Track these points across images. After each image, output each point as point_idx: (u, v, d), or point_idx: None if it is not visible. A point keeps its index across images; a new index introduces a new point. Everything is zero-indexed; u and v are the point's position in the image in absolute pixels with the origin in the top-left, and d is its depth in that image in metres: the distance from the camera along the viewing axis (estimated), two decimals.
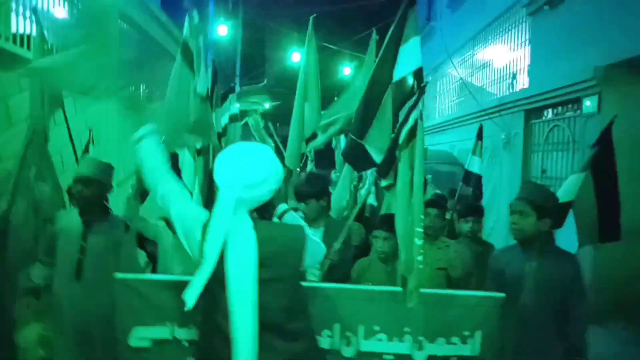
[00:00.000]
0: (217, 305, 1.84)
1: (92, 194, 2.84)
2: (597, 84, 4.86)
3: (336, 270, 3.04)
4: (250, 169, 1.85)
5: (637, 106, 4.70)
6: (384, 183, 2.83)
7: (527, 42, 6.82)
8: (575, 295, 2.58)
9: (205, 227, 1.85)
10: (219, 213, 1.82)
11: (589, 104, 5.08)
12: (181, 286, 2.14)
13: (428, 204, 3.26)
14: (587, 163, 3.20)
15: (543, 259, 2.63)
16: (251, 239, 1.83)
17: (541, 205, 2.62)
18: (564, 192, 3.18)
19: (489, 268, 2.89)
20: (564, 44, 5.70)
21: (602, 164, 3.18)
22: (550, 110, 6.27)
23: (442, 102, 10.80)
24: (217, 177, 1.87)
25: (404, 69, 2.51)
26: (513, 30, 7.35)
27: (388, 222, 2.92)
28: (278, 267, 1.90)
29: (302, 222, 2.12)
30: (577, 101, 5.37)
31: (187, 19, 3.43)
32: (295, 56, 14.21)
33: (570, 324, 2.58)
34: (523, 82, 7.02)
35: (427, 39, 12.47)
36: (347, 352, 2.58)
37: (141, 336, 2.60)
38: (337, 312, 2.53)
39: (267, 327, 1.86)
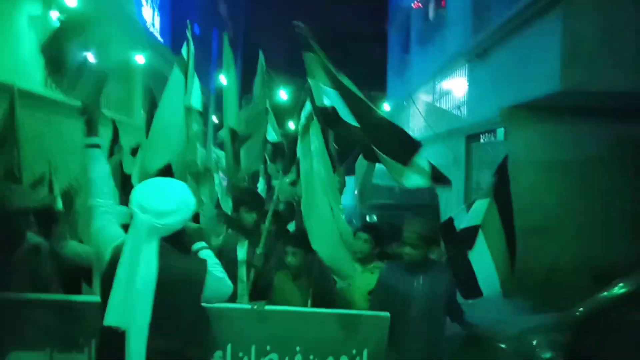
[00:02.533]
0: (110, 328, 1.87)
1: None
2: (502, 120, 6.50)
3: (262, 279, 3.11)
4: (163, 198, 1.98)
5: (535, 136, 6.31)
6: (287, 179, 3.15)
7: (466, 81, 8.49)
8: (453, 294, 3.03)
9: (115, 248, 1.96)
10: (131, 237, 1.91)
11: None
12: (63, 307, 2.35)
13: (358, 229, 3.53)
14: (489, 190, 3.56)
15: (425, 273, 2.93)
16: (153, 264, 1.90)
17: (429, 237, 2.97)
18: (472, 216, 3.51)
19: (379, 284, 3.08)
20: (488, 86, 7.36)
21: (501, 192, 3.51)
22: (483, 135, 7.90)
23: (414, 125, 12.44)
24: (134, 204, 1.96)
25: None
26: (461, 69, 9.02)
27: (297, 238, 3.11)
28: (175, 295, 1.96)
29: (217, 262, 2.15)
30: (494, 131, 7.00)
31: (188, 32, 3.68)
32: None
33: (454, 314, 3.06)
34: (464, 112, 8.67)
35: (404, 68, 14.19)
36: None
37: None
38: (230, 332, 2.61)
39: (160, 352, 1.90)
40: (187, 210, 2.04)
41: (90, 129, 2.28)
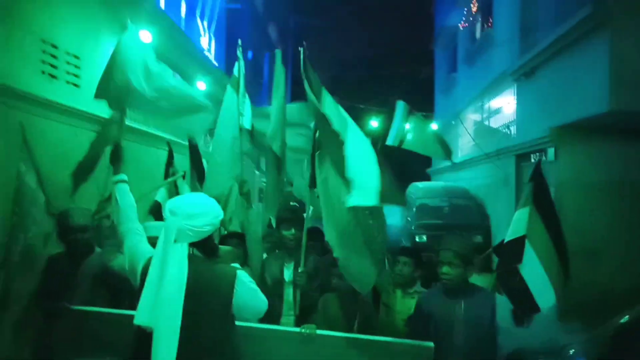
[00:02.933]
0: (140, 329, 1.94)
1: (86, 238, 3.17)
2: (551, 140, 6.49)
3: (305, 299, 3.10)
4: (192, 202, 2.11)
5: (584, 156, 6.27)
6: (316, 194, 3.05)
7: (515, 100, 8.48)
8: (493, 322, 2.79)
9: (146, 261, 2.06)
10: (162, 241, 2.00)
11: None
12: (123, 320, 2.40)
13: (399, 252, 3.44)
14: (527, 198, 3.36)
15: (467, 298, 2.79)
16: (183, 267, 1.97)
17: (466, 255, 2.83)
18: (515, 228, 3.33)
19: (415, 313, 3.00)
20: (536, 106, 7.35)
21: (541, 198, 3.34)
22: (533, 155, 7.85)
23: (463, 144, 12.41)
24: (165, 211, 2.08)
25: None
26: (509, 89, 9.02)
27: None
28: (204, 301, 2.01)
29: (250, 278, 2.19)
30: (544, 150, 6.98)
31: (238, 51, 3.74)
32: None
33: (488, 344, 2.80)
34: (513, 131, 8.64)
35: (451, 86, 14.23)
36: None
37: None
38: (275, 354, 2.61)
39: (187, 359, 1.93)
40: (215, 216, 2.12)
41: (117, 168, 2.62)
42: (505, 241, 3.35)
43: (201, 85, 7.04)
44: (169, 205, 2.09)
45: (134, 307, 1.99)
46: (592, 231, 5.92)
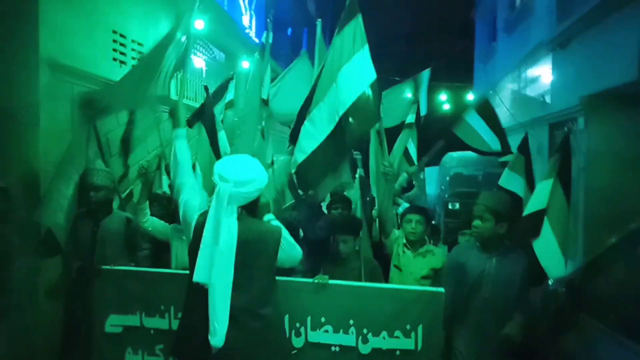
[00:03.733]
0: (196, 285, 2.09)
1: (102, 198, 3.32)
2: (582, 109, 6.65)
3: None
4: (241, 169, 2.22)
5: (613, 125, 6.42)
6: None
7: (550, 70, 8.56)
8: (524, 284, 2.82)
9: (199, 217, 2.21)
10: (214, 205, 2.13)
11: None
12: (151, 278, 2.73)
13: (409, 210, 3.53)
14: (552, 169, 3.41)
15: (499, 256, 2.85)
16: (233, 227, 2.12)
17: (498, 211, 2.85)
18: (536, 200, 3.37)
19: (447, 263, 3.09)
20: (570, 75, 7.47)
21: (565, 171, 3.37)
22: (567, 124, 7.98)
23: (499, 113, 12.41)
24: (215, 176, 2.20)
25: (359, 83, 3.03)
26: (545, 58, 9.07)
27: (348, 225, 3.31)
28: (253, 255, 2.17)
29: (284, 229, 2.37)
30: (576, 120, 7.13)
31: (269, 20, 4.11)
32: None
33: (520, 306, 2.78)
34: (548, 100, 8.75)
35: (490, 56, 14.16)
36: (297, 342, 2.74)
37: (115, 323, 2.92)
38: (286, 303, 2.63)
39: (239, 308, 2.10)
40: (262, 181, 2.26)
41: (176, 122, 2.75)
42: (525, 214, 3.36)
43: (245, 64, 7.56)
44: (219, 170, 2.21)
45: (158, 265, 2.46)
46: (620, 200, 6.11)
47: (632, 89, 5.75)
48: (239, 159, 2.31)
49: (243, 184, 2.18)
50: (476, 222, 2.88)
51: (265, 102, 4.07)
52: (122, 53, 4.71)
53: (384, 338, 2.67)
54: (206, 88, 4.37)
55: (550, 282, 3.20)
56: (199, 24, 5.00)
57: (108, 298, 2.92)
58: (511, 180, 4.37)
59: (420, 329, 2.64)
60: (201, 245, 2.11)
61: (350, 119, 3.10)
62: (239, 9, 11.69)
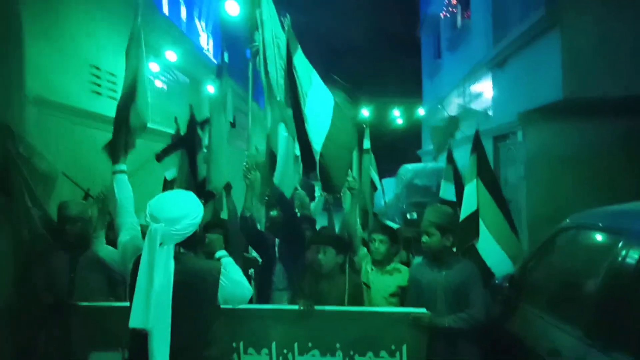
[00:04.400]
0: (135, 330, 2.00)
1: (78, 231, 3.21)
2: (519, 124, 7.43)
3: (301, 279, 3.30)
4: (172, 206, 2.14)
5: (548, 137, 7.21)
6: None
7: (491, 87, 9.40)
8: (475, 291, 2.89)
9: (137, 258, 2.12)
10: (147, 246, 2.06)
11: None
12: (126, 311, 2.26)
13: (374, 229, 3.58)
14: (472, 171, 3.58)
15: (448, 269, 2.96)
16: (170, 268, 2.05)
17: (442, 224, 2.98)
18: (467, 204, 3.53)
19: (410, 280, 3.20)
20: (508, 92, 8.29)
21: (484, 169, 3.53)
22: (508, 136, 8.80)
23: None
24: (147, 216, 2.12)
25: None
26: (486, 76, 9.92)
27: (327, 237, 3.40)
28: (191, 296, 2.10)
29: (235, 267, 2.32)
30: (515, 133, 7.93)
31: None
32: None
33: (473, 309, 2.83)
34: (491, 115, 9.58)
35: (436, 72, 15.10)
36: None
37: None
38: (274, 331, 2.74)
39: (180, 350, 2.04)
40: (196, 216, 2.19)
41: (116, 157, 2.66)
42: (461, 219, 3.49)
43: (210, 88, 7.88)
44: (150, 210, 2.14)
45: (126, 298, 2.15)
46: (558, 200, 6.86)
47: (560, 106, 6.55)
48: (170, 196, 2.26)
49: (175, 221, 2.11)
50: (424, 238, 3.00)
51: (231, 125, 4.31)
52: (97, 85, 4.97)
53: (369, 359, 2.75)
54: (191, 107, 4.42)
55: (496, 279, 3.52)
56: (170, 55, 5.35)
57: (88, 335, 2.85)
58: (447, 190, 4.65)
59: (404, 348, 2.73)
60: (136, 289, 2.05)
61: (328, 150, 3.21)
62: (196, 30, 12.00)
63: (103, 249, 3.10)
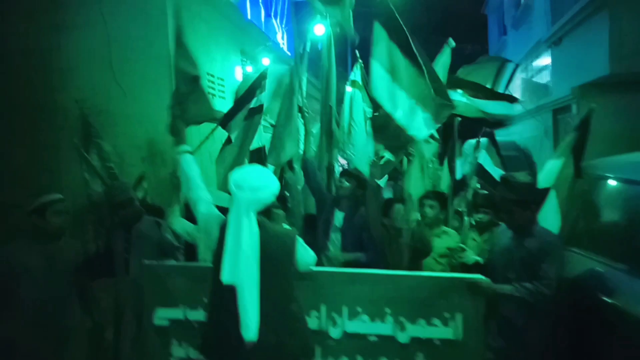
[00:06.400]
0: (223, 286, 2.18)
1: (131, 212, 3.36)
2: (573, 98, 8.05)
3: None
4: (256, 176, 2.37)
5: (600, 110, 7.76)
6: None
7: (550, 63, 9.93)
8: (549, 262, 2.67)
9: (222, 225, 2.32)
10: (234, 211, 2.27)
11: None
12: (193, 273, 2.79)
13: (424, 195, 3.73)
14: (566, 148, 3.45)
15: (526, 236, 2.79)
16: (254, 230, 2.25)
17: (525, 200, 2.81)
18: (544, 178, 3.43)
19: (491, 244, 3.23)
20: (564, 68, 8.85)
21: (579, 147, 3.41)
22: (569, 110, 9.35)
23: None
24: (231, 185, 2.32)
25: None
26: (546, 52, 10.41)
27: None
28: (275, 257, 2.31)
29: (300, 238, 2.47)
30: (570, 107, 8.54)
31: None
32: None
33: (542, 281, 2.63)
34: (550, 90, 10.11)
35: (502, 48, 15.45)
36: (334, 333, 2.70)
37: (162, 316, 2.93)
38: (322, 293, 2.69)
39: (268, 305, 2.22)
40: (276, 187, 2.40)
41: (180, 139, 2.96)
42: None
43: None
44: (235, 180, 2.35)
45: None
46: None
47: (608, 80, 7.14)
48: (252, 168, 2.49)
49: (258, 189, 2.33)
50: (505, 215, 2.94)
51: (299, 110, 4.24)
52: (212, 88, 6.40)
53: (421, 326, 2.63)
54: (262, 74, 4.62)
55: None
56: (264, 60, 6.69)
57: (154, 293, 2.99)
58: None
59: (460, 318, 2.58)
60: (225, 249, 2.23)
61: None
62: (273, 28, 13.39)
63: (178, 222, 3.25)
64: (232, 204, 2.31)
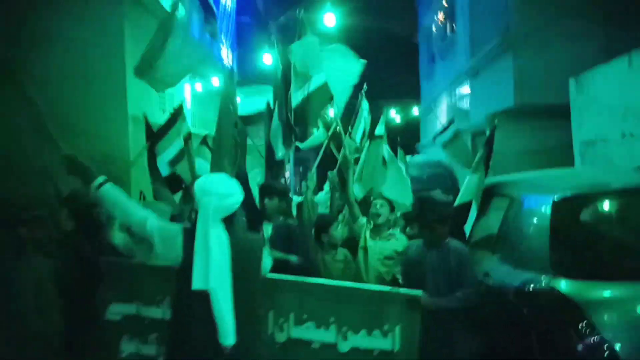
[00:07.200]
0: (189, 290, 2.21)
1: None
2: (488, 123, 9.22)
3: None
4: (223, 183, 2.42)
5: (508, 133, 8.95)
6: None
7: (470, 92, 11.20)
8: (468, 271, 2.97)
9: (186, 232, 2.34)
10: (201, 218, 2.30)
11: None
12: (146, 270, 2.86)
13: (375, 196, 3.93)
14: (479, 164, 3.81)
15: (441, 250, 3.03)
16: (223, 236, 2.30)
17: (442, 219, 3.10)
18: (464, 193, 3.77)
19: (405, 258, 3.32)
20: (480, 98, 10.08)
21: (486, 165, 3.81)
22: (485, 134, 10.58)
23: (439, 124, 15.13)
24: (198, 192, 2.36)
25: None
26: (466, 82, 11.68)
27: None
28: (245, 261, 2.37)
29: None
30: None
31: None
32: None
33: (467, 289, 2.91)
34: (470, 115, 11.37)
35: (431, 75, 16.87)
36: (280, 337, 2.80)
37: (115, 311, 3.00)
38: (273, 300, 2.77)
39: (241, 310, 2.27)
40: (240, 194, 2.45)
41: (88, 175, 2.58)
42: (456, 205, 3.78)
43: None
44: (201, 186, 2.38)
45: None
46: None
47: (515, 109, 8.33)
48: (218, 176, 2.52)
49: (225, 196, 2.37)
50: (424, 232, 3.21)
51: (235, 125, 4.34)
52: (163, 104, 6.89)
53: (363, 337, 2.71)
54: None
55: None
56: (214, 80, 7.22)
57: (108, 288, 3.06)
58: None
59: (397, 329, 2.67)
60: (195, 256, 2.25)
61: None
62: (218, 45, 13.86)
63: (118, 236, 3.40)
64: (199, 212, 2.34)
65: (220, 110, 4.16)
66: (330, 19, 4.96)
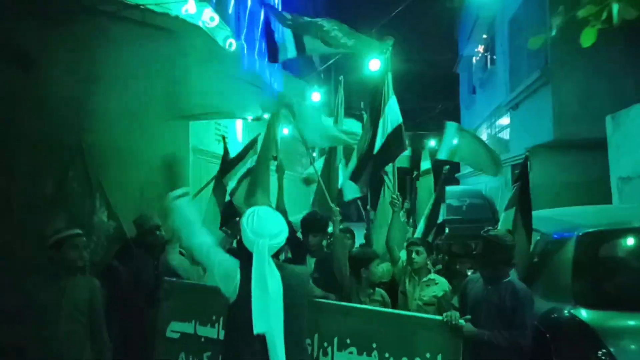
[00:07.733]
0: (247, 324, 2.26)
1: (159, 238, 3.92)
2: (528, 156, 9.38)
3: None
4: (273, 223, 2.45)
5: (548, 165, 9.10)
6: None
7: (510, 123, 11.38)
8: (520, 312, 2.85)
9: (242, 269, 2.37)
10: (257, 259, 2.34)
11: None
12: (206, 291, 2.89)
13: (411, 243, 3.76)
14: (512, 199, 3.67)
15: (496, 287, 2.96)
16: (277, 275, 2.37)
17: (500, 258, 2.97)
18: (501, 227, 3.61)
19: (460, 291, 3.25)
20: (520, 130, 10.26)
21: (524, 198, 3.61)
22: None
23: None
24: (253, 232, 2.37)
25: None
26: (506, 114, 11.89)
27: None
28: (295, 296, 2.43)
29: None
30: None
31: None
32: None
33: (515, 331, 2.81)
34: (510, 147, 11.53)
35: (471, 104, 17.10)
36: None
37: (173, 329, 3.21)
38: (317, 323, 2.84)
39: (292, 345, 2.33)
40: (287, 231, 2.51)
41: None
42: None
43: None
44: (254, 228, 2.39)
45: None
46: None
47: (554, 144, 8.51)
48: (267, 214, 2.49)
49: (276, 235, 2.42)
50: (480, 268, 3.17)
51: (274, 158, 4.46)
52: (218, 131, 7.57)
53: None
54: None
55: None
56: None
57: (170, 307, 3.30)
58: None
59: (439, 358, 2.70)
60: (253, 299, 2.29)
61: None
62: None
63: (176, 258, 3.57)
64: (255, 252, 2.35)
65: (263, 140, 4.29)
66: (375, 65, 5.35)
